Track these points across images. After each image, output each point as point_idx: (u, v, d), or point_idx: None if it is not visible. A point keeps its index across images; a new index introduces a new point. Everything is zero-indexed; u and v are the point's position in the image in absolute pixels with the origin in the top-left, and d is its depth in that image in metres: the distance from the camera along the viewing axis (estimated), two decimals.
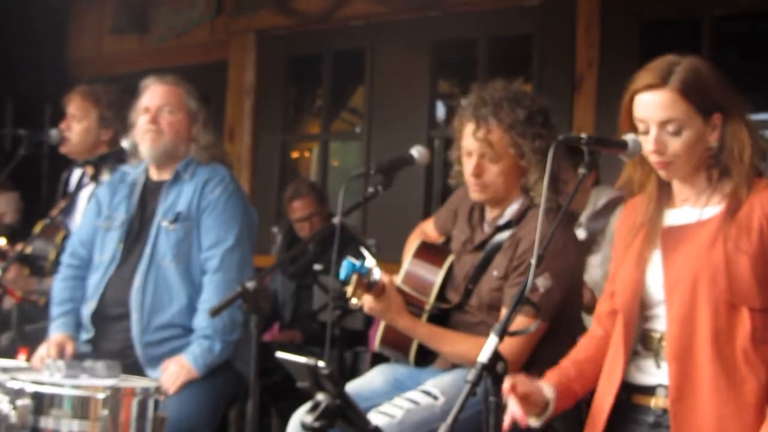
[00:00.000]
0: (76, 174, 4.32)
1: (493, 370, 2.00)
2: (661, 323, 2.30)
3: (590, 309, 3.33)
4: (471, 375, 1.99)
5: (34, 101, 6.73)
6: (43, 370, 2.74)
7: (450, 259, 3.04)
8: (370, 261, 2.78)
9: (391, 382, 3.04)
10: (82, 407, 2.55)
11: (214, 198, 3.39)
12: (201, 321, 3.30)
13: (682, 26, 5.36)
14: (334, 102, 7.00)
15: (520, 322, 2.44)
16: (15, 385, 2.57)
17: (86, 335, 3.42)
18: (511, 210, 2.93)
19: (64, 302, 3.50)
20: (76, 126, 4.13)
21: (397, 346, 2.99)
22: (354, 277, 2.73)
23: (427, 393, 2.81)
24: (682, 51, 2.30)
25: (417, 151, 2.91)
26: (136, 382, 2.73)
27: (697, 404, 2.19)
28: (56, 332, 3.42)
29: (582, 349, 2.50)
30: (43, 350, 3.34)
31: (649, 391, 2.31)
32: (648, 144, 2.26)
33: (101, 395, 2.55)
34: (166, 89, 3.48)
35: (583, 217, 3.79)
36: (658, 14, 5.32)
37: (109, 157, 3.67)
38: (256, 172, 6.91)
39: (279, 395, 4.43)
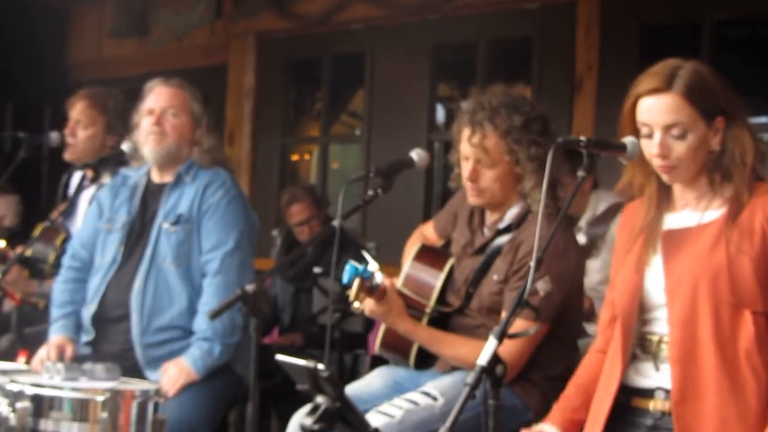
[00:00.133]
0: (76, 177, 4.32)
1: (492, 373, 2.00)
2: (659, 326, 2.30)
3: (587, 316, 3.34)
4: (470, 378, 1.99)
5: (34, 104, 6.73)
6: (43, 373, 2.74)
7: (450, 262, 3.04)
8: (372, 265, 2.78)
9: (390, 384, 3.04)
10: (81, 410, 2.54)
11: (215, 201, 3.39)
12: (201, 323, 3.29)
13: (682, 30, 5.36)
14: (333, 105, 7.01)
15: (519, 325, 2.45)
16: (14, 387, 2.57)
17: (86, 337, 3.42)
18: (511, 214, 2.93)
19: (65, 304, 3.49)
20: (82, 132, 4.10)
21: (397, 349, 2.99)
22: (356, 281, 2.74)
23: (427, 394, 2.81)
24: (681, 55, 2.29)
25: (417, 154, 2.90)
26: (135, 385, 2.73)
27: (699, 407, 2.18)
28: (56, 334, 3.41)
29: (586, 369, 2.49)
30: (43, 353, 3.34)
31: (648, 393, 2.31)
32: (652, 148, 2.25)
33: (101, 398, 2.55)
34: (170, 92, 3.48)
35: (583, 222, 3.79)
36: (658, 18, 5.32)
37: (109, 160, 3.66)
38: (256, 174, 6.91)
39: (279, 398, 4.43)
